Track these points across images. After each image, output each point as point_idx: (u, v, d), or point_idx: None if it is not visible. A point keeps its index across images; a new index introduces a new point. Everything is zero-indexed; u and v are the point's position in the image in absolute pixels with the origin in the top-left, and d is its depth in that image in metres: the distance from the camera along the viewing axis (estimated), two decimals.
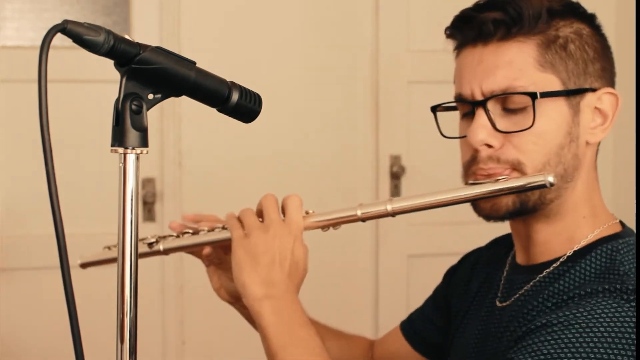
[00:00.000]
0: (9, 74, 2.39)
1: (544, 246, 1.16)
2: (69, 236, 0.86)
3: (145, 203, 2.51)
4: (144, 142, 0.89)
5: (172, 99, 0.95)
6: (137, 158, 0.88)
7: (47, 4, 2.50)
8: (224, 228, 1.25)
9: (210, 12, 2.55)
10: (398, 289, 2.69)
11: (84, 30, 0.83)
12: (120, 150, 0.88)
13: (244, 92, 0.98)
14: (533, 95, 1.09)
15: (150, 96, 0.90)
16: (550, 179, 1.06)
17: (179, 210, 2.50)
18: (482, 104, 1.11)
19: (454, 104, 1.19)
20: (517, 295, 1.16)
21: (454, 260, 1.43)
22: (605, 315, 0.98)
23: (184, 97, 0.94)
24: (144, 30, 2.50)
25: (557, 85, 1.11)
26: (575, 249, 1.13)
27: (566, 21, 1.13)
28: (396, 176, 2.67)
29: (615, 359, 0.96)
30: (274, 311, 1.11)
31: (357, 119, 2.66)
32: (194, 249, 1.33)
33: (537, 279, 1.14)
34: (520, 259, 1.21)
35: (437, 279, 1.45)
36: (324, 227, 1.21)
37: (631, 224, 1.19)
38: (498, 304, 1.20)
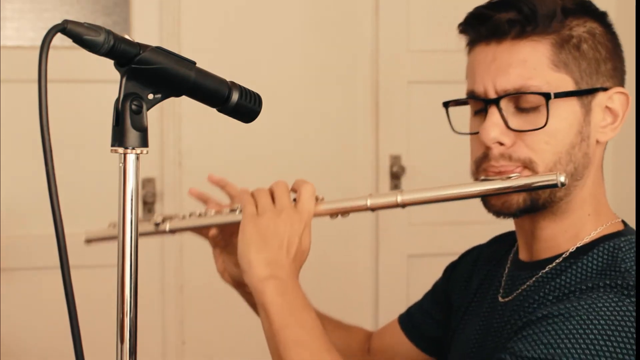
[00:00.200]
0: (9, 74, 2.39)
1: (548, 242, 1.16)
2: (69, 236, 0.86)
3: (145, 203, 2.51)
4: (144, 142, 0.89)
5: (172, 99, 0.95)
6: (137, 158, 0.89)
7: (47, 4, 2.50)
8: (232, 210, 1.26)
9: (210, 12, 2.55)
10: (398, 289, 2.69)
11: (84, 30, 0.83)
12: (120, 150, 0.88)
13: (244, 92, 0.98)
14: (547, 96, 1.09)
15: (150, 96, 0.90)
16: (562, 178, 1.07)
17: (179, 211, 2.49)
18: (496, 102, 1.11)
19: (464, 100, 1.19)
20: (520, 290, 1.17)
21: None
22: (605, 309, 0.99)
23: (184, 97, 0.94)
24: (144, 30, 2.50)
25: (570, 85, 1.11)
26: (578, 245, 1.14)
27: (579, 20, 1.13)
28: (396, 176, 2.67)
29: (614, 351, 0.96)
30: (277, 292, 1.12)
31: (357, 119, 2.66)
32: (200, 230, 1.33)
33: (540, 274, 1.15)
34: (523, 255, 1.21)
35: (437, 279, 1.45)
36: (333, 215, 1.22)
37: (631, 224, 1.19)
38: (500, 299, 1.21)
